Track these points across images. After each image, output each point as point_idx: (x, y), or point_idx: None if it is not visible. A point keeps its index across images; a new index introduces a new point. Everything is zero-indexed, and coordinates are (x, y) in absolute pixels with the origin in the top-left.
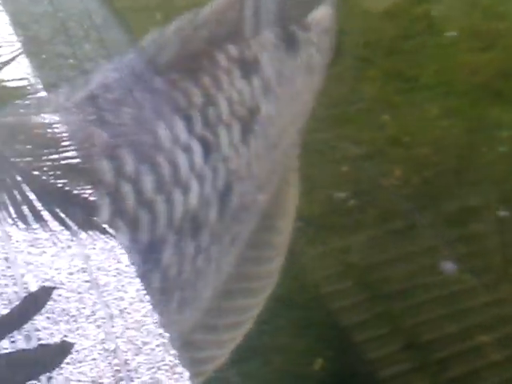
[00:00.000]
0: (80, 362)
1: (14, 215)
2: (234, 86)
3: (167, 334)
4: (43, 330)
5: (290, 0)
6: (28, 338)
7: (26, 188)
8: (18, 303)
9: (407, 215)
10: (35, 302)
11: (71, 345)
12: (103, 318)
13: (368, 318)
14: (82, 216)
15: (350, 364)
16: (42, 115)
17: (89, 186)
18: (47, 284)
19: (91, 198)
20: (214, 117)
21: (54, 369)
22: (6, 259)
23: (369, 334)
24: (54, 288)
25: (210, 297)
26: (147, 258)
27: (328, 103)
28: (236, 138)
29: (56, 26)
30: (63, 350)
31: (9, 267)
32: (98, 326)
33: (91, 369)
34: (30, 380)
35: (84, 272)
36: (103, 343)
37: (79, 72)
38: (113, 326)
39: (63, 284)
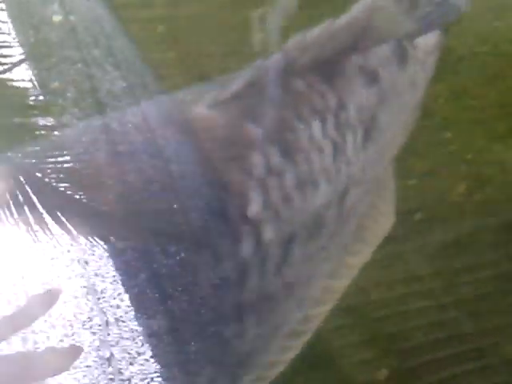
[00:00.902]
0: (74, 367)
1: (17, 216)
2: (359, 93)
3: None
4: (40, 332)
5: (409, 17)
6: (24, 340)
7: (28, 189)
8: (19, 305)
9: (471, 230)
10: (38, 305)
11: (80, 349)
12: (99, 325)
13: (432, 322)
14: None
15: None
16: (51, 118)
17: (89, 191)
18: (50, 287)
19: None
20: (344, 120)
21: (61, 372)
22: (7, 261)
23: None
24: (57, 292)
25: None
26: (280, 253)
27: None
28: (358, 142)
29: (66, 29)
30: (71, 353)
31: (10, 269)
32: (94, 333)
33: (85, 375)
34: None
35: (82, 277)
36: (98, 350)
37: (86, 77)
38: (108, 334)
39: (61, 288)
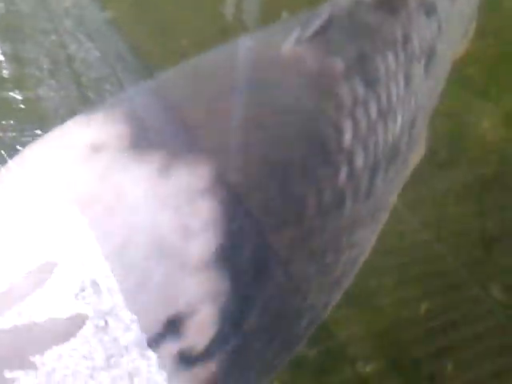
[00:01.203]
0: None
1: None
2: (421, 25)
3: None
4: (35, 306)
5: None
6: (20, 314)
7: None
8: (14, 279)
9: (496, 164)
10: (33, 278)
11: (84, 316)
12: (92, 295)
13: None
14: None
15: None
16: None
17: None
18: (48, 260)
19: None
20: (411, 51)
21: (63, 342)
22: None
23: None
24: (51, 265)
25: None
26: (368, 181)
27: None
28: (422, 73)
29: (38, 0)
30: (73, 322)
31: (6, 241)
32: (88, 304)
33: (82, 345)
34: (36, 354)
35: (73, 248)
36: (93, 320)
37: (60, 47)
38: (102, 303)
39: (56, 261)
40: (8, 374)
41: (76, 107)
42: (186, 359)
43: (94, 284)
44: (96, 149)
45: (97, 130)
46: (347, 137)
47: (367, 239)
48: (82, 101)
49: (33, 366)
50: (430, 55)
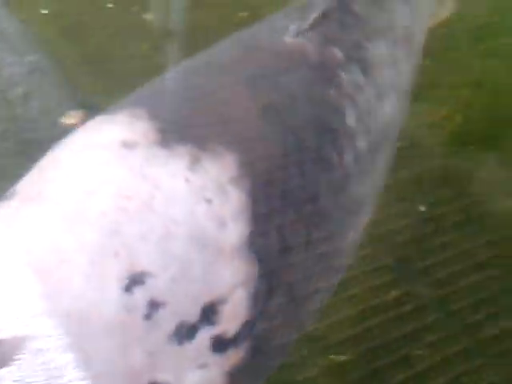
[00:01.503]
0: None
1: None
2: (400, 12)
3: None
4: None
5: None
6: None
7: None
8: None
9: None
10: None
11: (23, 339)
12: (30, 318)
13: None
14: None
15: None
16: None
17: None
18: None
19: None
20: (395, 36)
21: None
22: None
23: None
24: None
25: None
26: (369, 160)
27: None
28: (404, 56)
29: None
30: (16, 344)
31: None
32: (25, 325)
33: (21, 367)
34: None
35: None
36: (31, 342)
37: None
38: (39, 325)
39: None
40: None
41: (4, 124)
42: (219, 345)
43: (33, 305)
44: (127, 146)
45: (124, 127)
46: (351, 121)
47: (364, 224)
48: (10, 117)
49: None
50: (410, 38)
